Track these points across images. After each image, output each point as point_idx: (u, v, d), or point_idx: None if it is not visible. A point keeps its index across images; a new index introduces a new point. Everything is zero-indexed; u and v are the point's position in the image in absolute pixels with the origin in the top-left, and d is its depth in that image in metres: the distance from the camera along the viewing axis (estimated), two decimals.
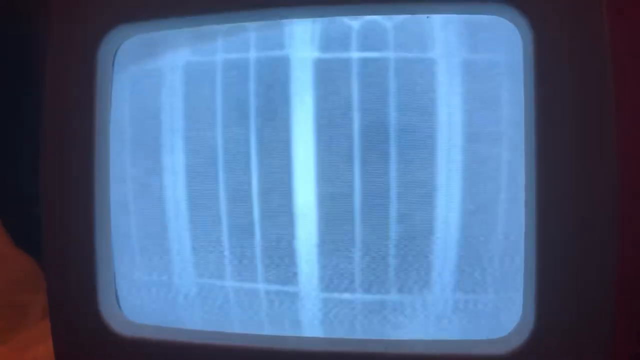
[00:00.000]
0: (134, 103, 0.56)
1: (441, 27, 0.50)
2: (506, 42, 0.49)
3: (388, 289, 0.52)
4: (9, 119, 0.94)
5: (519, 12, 0.48)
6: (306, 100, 0.52)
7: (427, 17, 0.50)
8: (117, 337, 0.54)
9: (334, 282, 0.52)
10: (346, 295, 0.52)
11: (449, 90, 0.50)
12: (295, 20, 0.52)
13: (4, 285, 0.84)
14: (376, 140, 0.51)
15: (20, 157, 0.85)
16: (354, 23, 0.51)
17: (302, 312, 0.53)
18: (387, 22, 0.51)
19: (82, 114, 0.55)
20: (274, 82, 0.52)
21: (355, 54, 0.51)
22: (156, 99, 0.55)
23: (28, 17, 0.95)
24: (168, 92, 0.55)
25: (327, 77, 0.51)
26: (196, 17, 0.53)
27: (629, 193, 0.48)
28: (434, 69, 0.50)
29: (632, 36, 0.49)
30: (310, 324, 0.53)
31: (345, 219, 0.52)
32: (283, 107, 0.52)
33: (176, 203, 0.55)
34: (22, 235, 0.88)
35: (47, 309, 0.82)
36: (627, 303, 0.49)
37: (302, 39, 0.52)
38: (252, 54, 0.53)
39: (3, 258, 0.86)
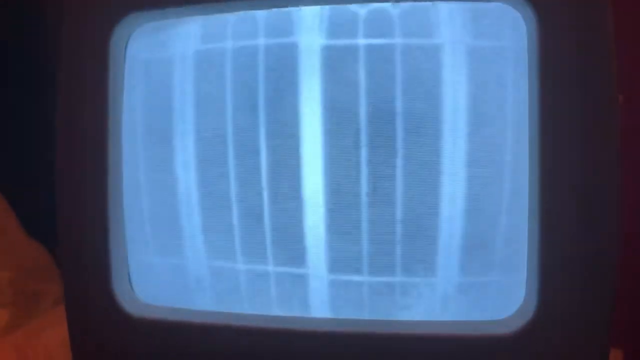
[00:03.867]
0: (146, 90, 0.57)
1: (446, 13, 0.51)
2: (511, 28, 0.50)
3: (395, 271, 0.52)
4: (23, 108, 0.94)
5: None
6: (314, 87, 0.52)
7: (432, 3, 0.51)
8: (130, 318, 0.55)
9: (341, 264, 0.53)
10: (354, 277, 0.53)
11: (454, 76, 0.51)
12: (303, 7, 0.52)
13: (17, 273, 0.84)
14: (383, 125, 0.51)
15: (33, 146, 0.86)
16: (361, 10, 0.52)
17: (311, 294, 0.54)
18: (393, 9, 0.51)
19: (95, 102, 0.55)
20: (283, 68, 0.53)
21: (362, 41, 0.52)
22: (167, 85, 0.56)
23: (39, 7, 0.95)
24: (179, 79, 0.55)
25: (335, 63, 0.52)
26: (206, 5, 0.53)
27: (632, 179, 0.48)
28: (439, 55, 0.51)
29: (635, 23, 0.50)
30: (319, 305, 0.54)
31: (353, 202, 0.52)
32: (291, 93, 0.53)
33: (187, 187, 0.56)
34: (35, 225, 0.88)
35: (58, 298, 0.83)
36: (627, 300, 0.49)
37: (309, 26, 0.52)
38: (261, 41, 0.53)
39: (16, 247, 0.87)
